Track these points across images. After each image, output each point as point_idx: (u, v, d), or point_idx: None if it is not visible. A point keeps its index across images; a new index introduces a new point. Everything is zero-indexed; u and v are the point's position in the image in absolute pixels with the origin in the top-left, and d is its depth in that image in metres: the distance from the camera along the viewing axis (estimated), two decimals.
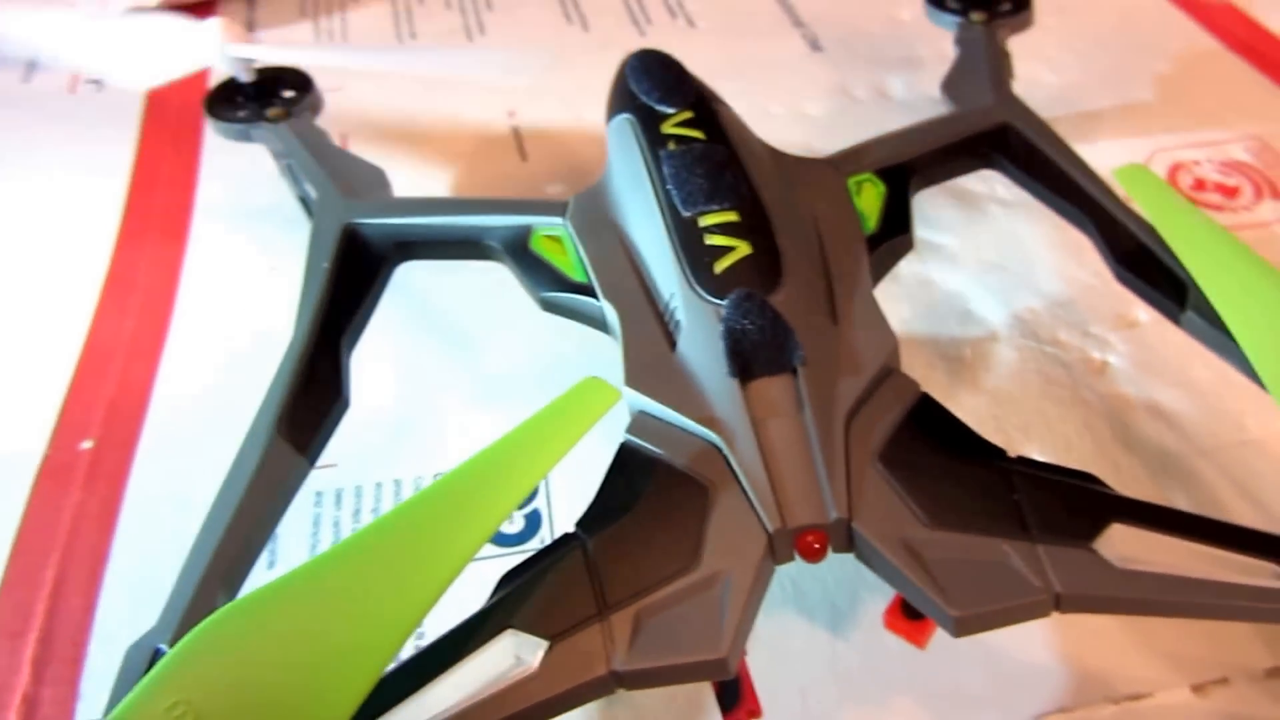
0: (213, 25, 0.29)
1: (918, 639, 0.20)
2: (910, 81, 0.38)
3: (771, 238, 0.23)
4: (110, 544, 0.25)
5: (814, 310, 0.22)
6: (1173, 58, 0.39)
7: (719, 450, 0.20)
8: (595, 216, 0.25)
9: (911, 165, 0.26)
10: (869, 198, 0.25)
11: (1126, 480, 0.25)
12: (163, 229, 0.33)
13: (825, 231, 0.24)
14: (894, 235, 0.25)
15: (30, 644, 0.23)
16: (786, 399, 0.20)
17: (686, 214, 0.23)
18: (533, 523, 0.25)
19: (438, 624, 0.18)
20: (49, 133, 0.38)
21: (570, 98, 0.38)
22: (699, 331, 0.21)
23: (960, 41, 0.32)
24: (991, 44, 0.31)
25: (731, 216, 0.23)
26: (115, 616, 0.24)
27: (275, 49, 0.31)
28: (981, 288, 0.31)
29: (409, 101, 0.37)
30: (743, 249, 0.22)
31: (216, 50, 0.30)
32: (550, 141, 0.36)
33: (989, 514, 0.19)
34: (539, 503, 0.25)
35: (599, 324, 0.24)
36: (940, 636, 0.19)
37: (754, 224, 0.23)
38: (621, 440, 0.20)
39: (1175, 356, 0.28)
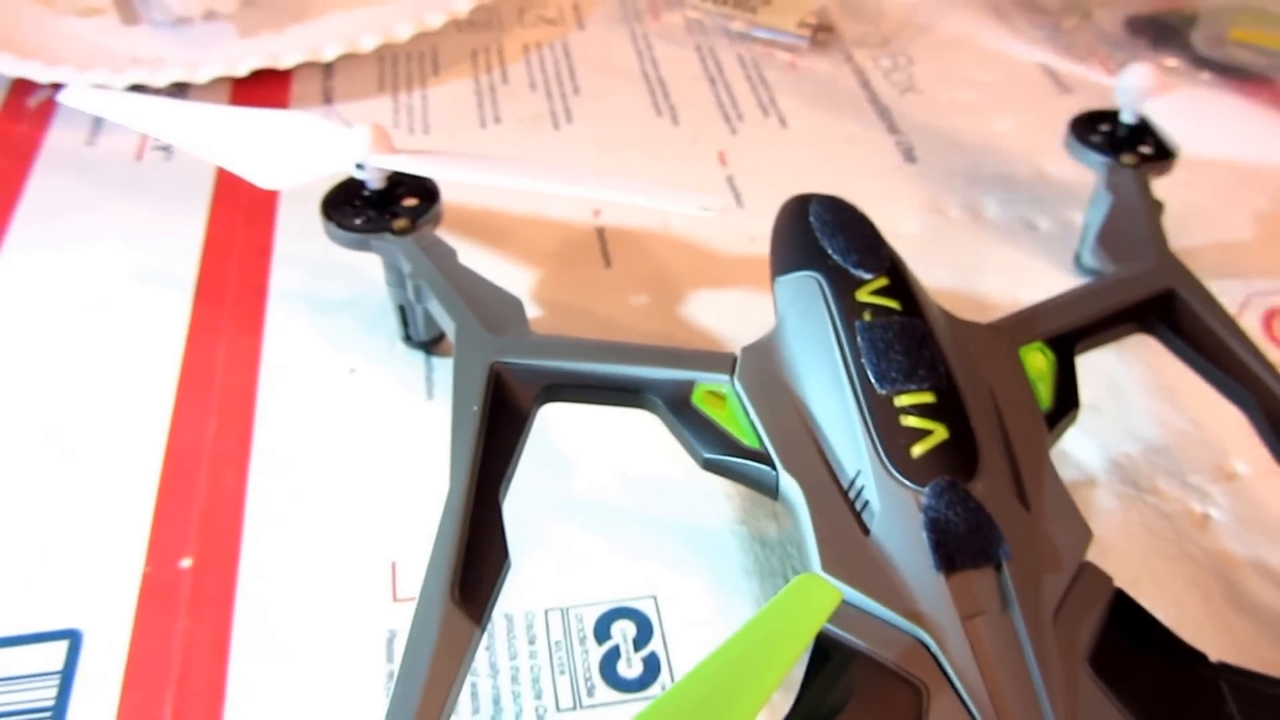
0: (361, 132, 0.28)
1: None
2: (1004, 201, 0.37)
3: (967, 421, 0.22)
4: (226, 674, 0.24)
5: (1009, 499, 0.21)
6: (1275, 195, 0.38)
7: (927, 648, 0.19)
8: (768, 377, 0.24)
9: (1078, 332, 0.26)
10: (1038, 366, 0.25)
11: (1241, 643, 0.25)
12: (237, 317, 0.32)
13: (1004, 408, 0.23)
14: (1067, 411, 0.24)
15: None
16: (992, 595, 0.20)
17: (882, 391, 0.22)
18: (651, 666, 0.24)
19: None
20: (114, 201, 0.37)
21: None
22: (896, 518, 0.21)
23: (1111, 186, 0.31)
24: (1146, 193, 0.30)
25: (928, 397, 0.22)
26: None
27: (428, 162, 0.28)
28: (1077, 429, 0.29)
29: (492, 194, 0.36)
30: (940, 433, 0.22)
31: (359, 156, 0.28)
32: (635, 247, 0.35)
33: None
34: (655, 645, 0.24)
35: (767, 490, 0.23)
36: None
37: (950, 406, 0.22)
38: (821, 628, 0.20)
39: (1278, 512, 0.27)
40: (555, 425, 0.29)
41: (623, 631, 0.25)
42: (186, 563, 0.26)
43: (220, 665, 0.24)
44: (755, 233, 0.35)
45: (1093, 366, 0.31)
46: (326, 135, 0.29)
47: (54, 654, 0.24)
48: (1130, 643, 0.20)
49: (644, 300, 0.33)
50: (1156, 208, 0.30)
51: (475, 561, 0.21)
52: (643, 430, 0.29)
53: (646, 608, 0.25)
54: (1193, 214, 0.35)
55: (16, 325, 0.32)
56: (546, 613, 0.25)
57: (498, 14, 0.46)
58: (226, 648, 0.24)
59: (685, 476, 0.28)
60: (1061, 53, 0.44)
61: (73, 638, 0.25)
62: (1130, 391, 0.30)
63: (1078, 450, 0.29)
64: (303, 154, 0.29)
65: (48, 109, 0.41)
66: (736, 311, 0.33)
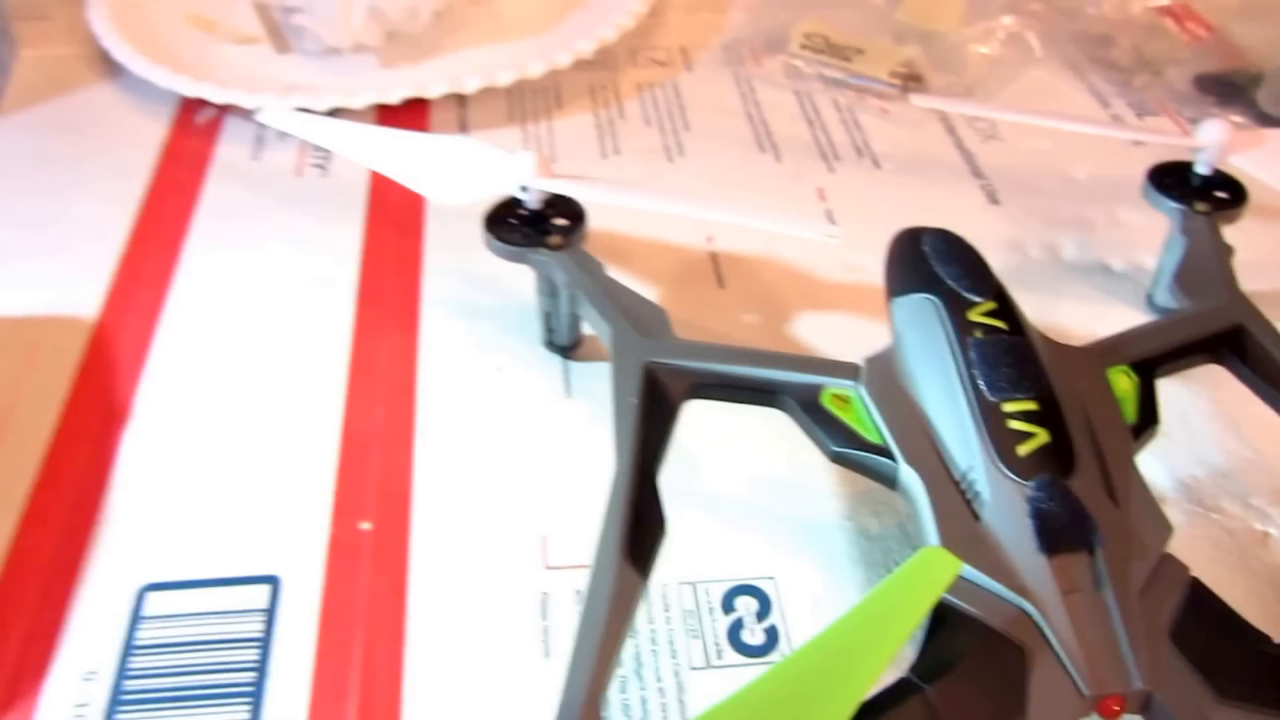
0: (527, 158, 0.32)
1: None
2: (1082, 243, 0.40)
3: (1065, 427, 0.26)
4: (404, 623, 0.28)
5: (1100, 495, 0.25)
6: None
7: (1030, 618, 0.23)
8: (889, 384, 0.28)
9: (1158, 359, 0.29)
10: (1122, 387, 0.28)
11: None
12: (395, 318, 0.36)
13: (1095, 419, 0.27)
14: (1149, 426, 0.28)
15: (352, 712, 0.26)
16: (1087, 576, 0.23)
17: (992, 398, 0.26)
18: (771, 636, 0.28)
19: None
20: (279, 210, 0.41)
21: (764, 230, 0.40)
22: (1005, 507, 0.24)
23: (1186, 231, 0.34)
24: (1217, 238, 0.34)
25: (1031, 405, 0.26)
26: (422, 692, 0.26)
27: (585, 186, 0.33)
28: (1149, 453, 0.32)
29: (613, 218, 0.40)
30: (1042, 436, 0.25)
31: (524, 179, 0.32)
32: (746, 271, 0.39)
33: (1272, 692, 0.22)
34: (775, 618, 0.28)
35: (886, 481, 0.27)
36: None
37: (1050, 413, 0.26)
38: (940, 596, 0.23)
39: None
40: (684, 427, 0.33)
41: (746, 605, 0.28)
42: (366, 525, 0.30)
43: (399, 613, 0.28)
44: (854, 262, 0.39)
45: (1164, 398, 0.34)
46: (496, 160, 0.33)
47: (260, 595, 0.28)
48: (1205, 622, 0.23)
49: (755, 319, 0.37)
50: (1227, 251, 0.33)
51: (640, 526, 0.25)
52: (759, 435, 0.32)
53: (766, 586, 0.29)
54: (1260, 260, 0.39)
55: (200, 314, 0.36)
56: (679, 586, 0.29)
57: (613, 55, 0.50)
58: (404, 599, 0.28)
59: (796, 476, 0.31)
60: (1134, 107, 0.48)
61: (274, 582, 0.29)
62: (1198, 421, 0.34)
63: (1149, 471, 0.32)
64: (474, 175, 0.33)
65: (213, 126, 0.45)
66: (839, 331, 0.36)
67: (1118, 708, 0.22)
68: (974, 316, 0.28)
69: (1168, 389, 0.33)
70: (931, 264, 0.29)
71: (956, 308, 0.28)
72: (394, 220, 0.40)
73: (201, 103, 0.46)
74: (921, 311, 0.29)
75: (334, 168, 0.43)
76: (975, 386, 0.26)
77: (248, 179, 0.43)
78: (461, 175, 0.34)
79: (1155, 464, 0.32)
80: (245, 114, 0.45)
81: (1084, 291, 0.38)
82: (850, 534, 0.30)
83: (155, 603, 0.28)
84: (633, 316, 0.30)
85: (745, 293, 0.38)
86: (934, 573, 0.23)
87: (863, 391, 0.28)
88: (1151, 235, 0.40)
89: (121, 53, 0.46)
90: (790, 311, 0.37)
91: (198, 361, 0.35)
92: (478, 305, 0.37)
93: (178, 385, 0.34)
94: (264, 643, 0.27)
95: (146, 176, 0.42)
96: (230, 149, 0.44)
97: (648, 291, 0.37)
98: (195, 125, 0.45)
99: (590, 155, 0.44)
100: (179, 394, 0.34)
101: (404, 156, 0.35)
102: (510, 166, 0.32)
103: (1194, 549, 0.30)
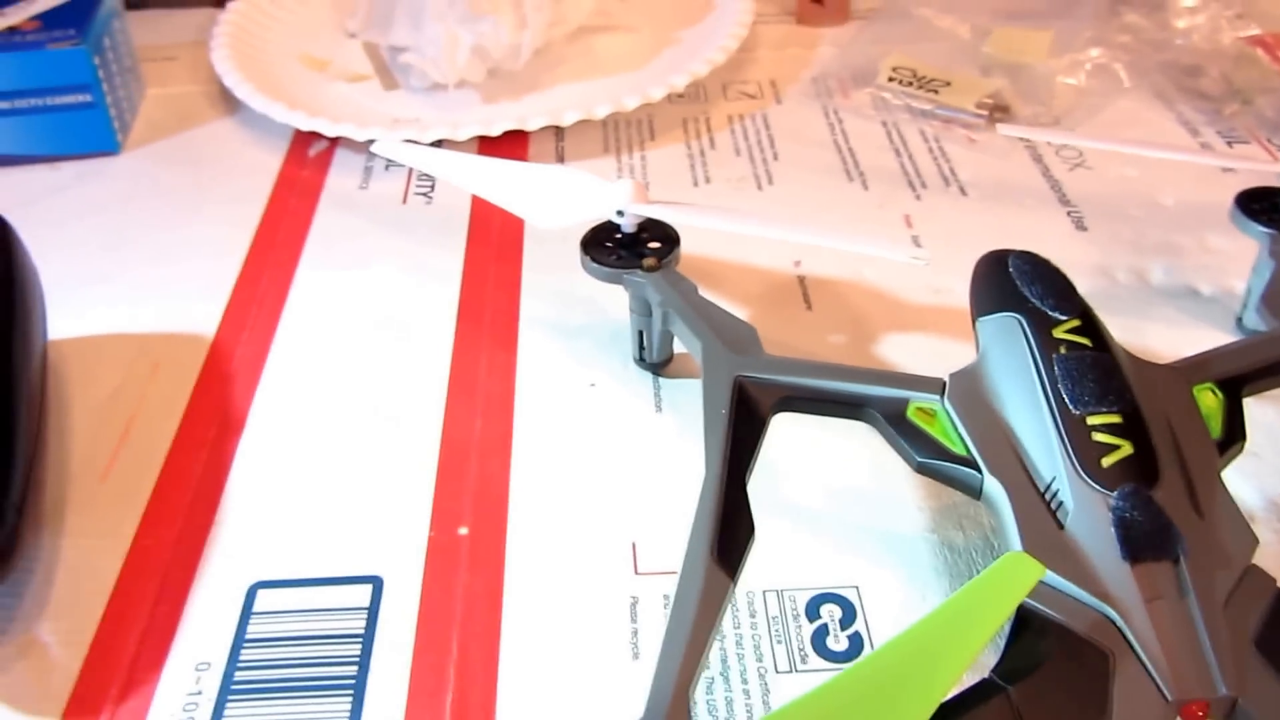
0: (625, 185, 0.33)
1: None
2: (1170, 268, 0.40)
3: (1149, 440, 0.26)
4: (500, 624, 0.29)
5: (1185, 506, 0.25)
6: None
7: (1114, 624, 0.23)
8: (973, 398, 0.28)
9: (1245, 377, 0.29)
10: (1208, 404, 0.28)
11: None
12: (494, 336, 0.38)
13: (1179, 433, 0.27)
14: (1235, 442, 0.28)
15: (447, 706, 0.27)
16: (1171, 584, 0.24)
17: (1076, 412, 0.26)
18: (855, 643, 0.28)
19: None
20: (386, 235, 0.43)
21: (851, 253, 0.41)
22: (1088, 516, 0.25)
23: (1275, 255, 0.34)
24: None
25: (1115, 418, 0.26)
26: (516, 689, 0.28)
27: (679, 211, 0.34)
28: (1237, 472, 0.32)
29: (704, 242, 0.41)
30: (1126, 448, 0.26)
31: (621, 204, 0.33)
32: (832, 294, 0.40)
33: None
34: (859, 626, 0.29)
35: (970, 491, 0.27)
36: None
37: (1134, 427, 0.26)
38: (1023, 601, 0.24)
39: None
40: (770, 441, 0.33)
41: (830, 613, 0.29)
42: (464, 530, 0.31)
43: (495, 614, 0.29)
44: (940, 286, 0.40)
45: (1252, 419, 0.34)
46: (594, 187, 0.35)
47: (363, 594, 0.30)
48: None
49: (841, 340, 0.38)
50: None
51: (729, 530, 0.26)
52: (843, 449, 0.33)
53: (850, 595, 0.29)
54: None
55: (312, 331, 0.39)
56: (764, 593, 0.30)
57: (704, 88, 0.52)
58: (499, 601, 0.30)
59: (881, 488, 0.32)
60: (1224, 135, 0.48)
61: (376, 583, 0.30)
62: None
63: (1238, 490, 0.32)
64: (574, 201, 0.35)
65: (325, 158, 0.48)
66: (925, 352, 0.37)
67: (1202, 713, 0.22)
68: (1059, 333, 0.28)
69: (1257, 409, 0.34)
70: (1017, 283, 0.30)
71: (1041, 325, 0.29)
72: (494, 245, 0.42)
73: (314, 136, 0.48)
74: (1007, 329, 0.29)
75: (438, 196, 0.45)
76: (1060, 399, 0.27)
77: (357, 206, 0.45)
78: (561, 201, 0.35)
79: (1244, 483, 0.32)
80: (355, 146, 0.47)
81: (1172, 315, 0.38)
82: (935, 546, 0.31)
83: (265, 599, 0.30)
84: (724, 333, 0.31)
85: (832, 314, 0.39)
86: (1017, 577, 0.23)
87: (948, 405, 0.28)
88: (1240, 260, 0.40)
89: (241, 90, 0.49)
90: (876, 332, 0.38)
91: (308, 375, 0.37)
92: (572, 325, 0.38)
93: (289, 397, 0.36)
94: (366, 639, 0.29)
95: (262, 204, 0.45)
96: (340, 179, 0.47)
97: (737, 313, 0.39)
98: (308, 157, 0.48)
99: (682, 184, 0.46)
100: (290, 405, 0.36)
101: (506, 184, 0.37)
102: (608, 192, 0.34)
103: None
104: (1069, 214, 0.44)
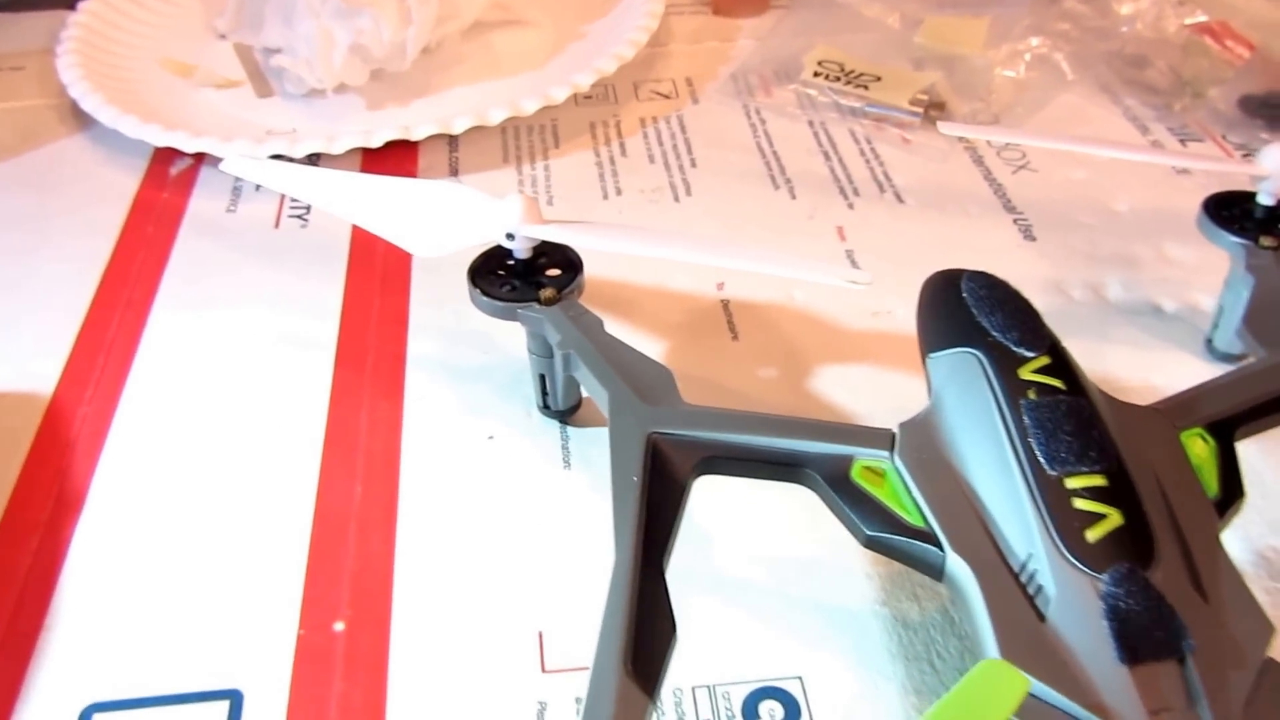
0: (514, 203, 0.29)
1: None
2: (1128, 282, 0.37)
3: (1140, 506, 0.22)
4: None
5: (1187, 589, 0.21)
6: None
7: None
8: (929, 454, 0.24)
9: (1239, 418, 0.25)
10: (1199, 453, 0.24)
11: None
12: (377, 382, 0.33)
13: (1171, 494, 0.23)
14: (1234, 499, 0.24)
15: None
16: (1178, 691, 0.20)
17: (1052, 473, 0.22)
18: None
19: None
20: (255, 266, 0.38)
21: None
22: (1074, 604, 0.21)
23: (1252, 269, 0.30)
24: None
25: (1100, 480, 0.22)
26: None
27: (579, 232, 0.29)
28: None
29: (615, 262, 0.37)
30: (1115, 518, 0.22)
31: (511, 225, 0.29)
32: (761, 320, 0.35)
33: None
34: None
35: (930, 571, 0.23)
36: None
37: (1122, 490, 0.22)
38: None
39: None
40: (695, 500, 0.29)
41: (770, 712, 0.25)
42: (340, 625, 0.27)
43: None
44: (879, 308, 0.36)
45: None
46: (479, 205, 0.30)
47: (218, 713, 0.25)
48: None
49: (773, 373, 0.34)
50: None
51: (645, 632, 0.21)
52: (778, 509, 0.29)
53: (793, 688, 0.25)
54: None
55: (165, 385, 0.33)
56: (694, 690, 0.25)
57: (613, 88, 0.47)
58: (382, 710, 0.25)
59: (824, 555, 0.28)
60: (1176, 132, 0.44)
61: (234, 697, 0.25)
62: (1273, 483, 0.30)
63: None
64: (456, 223, 0.30)
65: (189, 177, 0.42)
66: (866, 386, 0.33)
67: None
68: (1025, 374, 0.24)
69: (1240, 453, 0.30)
70: (973, 313, 0.26)
71: (1005, 364, 0.25)
72: (379, 273, 0.37)
73: (177, 153, 0.43)
74: (964, 369, 0.25)
75: (315, 218, 0.40)
76: (1032, 458, 0.23)
77: (222, 233, 0.40)
78: (443, 223, 0.30)
79: (1228, 535, 0.28)
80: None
81: (1135, 336, 0.35)
82: (886, 622, 0.27)
83: None
84: (634, 379, 0.27)
85: (761, 344, 0.35)
86: (998, 692, 0.19)
87: (899, 463, 0.24)
88: (1205, 272, 0.36)
89: (89, 101, 0.43)
90: (811, 364, 0.34)
91: (160, 439, 0.32)
92: (468, 366, 0.34)
93: (137, 467, 0.31)
94: None
95: (114, 234, 0.40)
96: (205, 201, 0.41)
97: (655, 345, 0.34)
98: (169, 178, 0.42)
99: (591, 196, 0.41)
100: (138, 478, 0.31)
101: (378, 204, 0.31)
102: (495, 212, 0.29)
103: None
104: (1015, 222, 0.40)
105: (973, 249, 0.38)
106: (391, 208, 0.31)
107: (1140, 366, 0.33)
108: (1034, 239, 0.39)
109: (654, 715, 0.21)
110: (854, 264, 0.38)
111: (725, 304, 0.36)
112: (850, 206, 0.41)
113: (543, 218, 0.29)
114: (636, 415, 0.26)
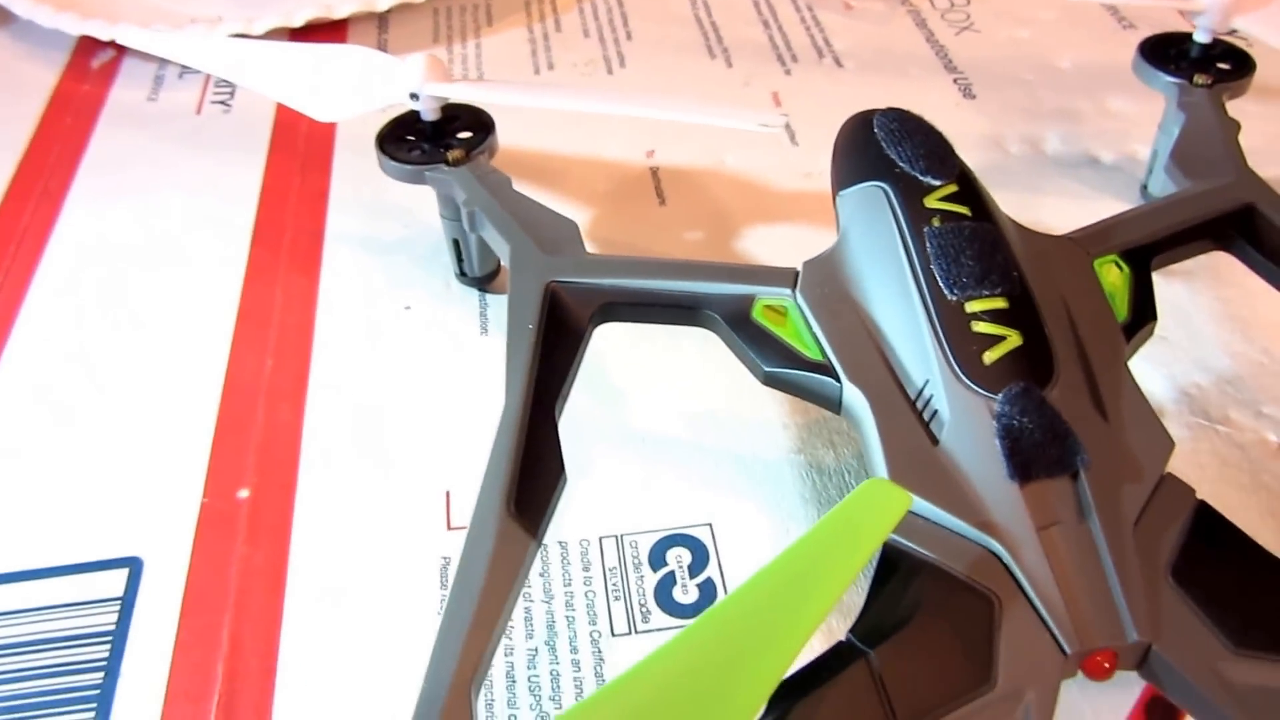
0: (417, 61, 0.28)
1: None
2: (1066, 136, 0.36)
3: (1041, 327, 0.21)
4: (283, 602, 0.24)
5: (1086, 407, 0.20)
6: None
7: (999, 559, 0.19)
8: (830, 290, 0.23)
9: (1154, 246, 0.25)
10: (1113, 280, 0.24)
11: None
12: (294, 259, 0.32)
13: (1078, 317, 0.22)
14: (1144, 324, 0.23)
15: (212, 710, 0.22)
16: (1069, 505, 0.19)
17: (952, 298, 0.22)
18: (707, 592, 0.24)
19: None
20: (176, 154, 0.37)
21: (712, 139, 0.36)
22: (967, 426, 0.20)
23: (1184, 106, 0.29)
24: (1221, 112, 0.29)
25: (1000, 303, 0.21)
26: (297, 680, 0.23)
27: (483, 89, 0.29)
28: (1143, 360, 0.28)
29: (545, 134, 0.36)
30: (1013, 339, 0.21)
31: (414, 85, 0.28)
32: (690, 185, 0.35)
33: None
34: (711, 571, 0.24)
35: (829, 404, 0.22)
36: None
37: (1023, 312, 0.21)
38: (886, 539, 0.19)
39: None
40: (607, 357, 0.29)
41: (678, 558, 0.25)
42: (244, 493, 0.26)
43: (277, 593, 0.24)
44: (810, 169, 0.35)
45: (1160, 298, 0.30)
46: (381, 66, 0.29)
47: (115, 581, 0.25)
48: (1215, 555, 0.19)
49: (698, 236, 0.33)
50: (1233, 126, 0.29)
51: (532, 475, 0.21)
52: (695, 362, 0.28)
53: (702, 534, 0.25)
54: (1267, 147, 0.34)
55: (77, 270, 0.33)
56: (601, 540, 0.25)
57: None
58: (283, 576, 0.25)
59: (739, 407, 0.27)
60: None
61: (133, 565, 0.25)
62: (1200, 322, 0.29)
63: (1145, 381, 0.27)
64: (358, 86, 0.29)
65: (110, 69, 0.41)
66: (792, 245, 0.32)
67: (1108, 665, 0.18)
68: (931, 202, 0.23)
69: (1165, 287, 0.29)
70: (882, 146, 0.25)
71: (911, 194, 0.24)
72: (300, 154, 0.36)
73: (98, 46, 0.42)
74: (870, 202, 0.24)
75: (238, 102, 0.39)
76: (933, 284, 0.22)
77: (143, 122, 0.39)
78: (346, 87, 0.29)
79: (1152, 372, 0.28)
80: (145, 55, 0.41)
81: (1070, 187, 0.34)
82: (800, 469, 0.26)
83: None
84: (536, 232, 0.26)
85: (689, 208, 0.34)
86: (879, 509, 0.19)
87: (800, 299, 0.23)
88: (1144, 124, 0.35)
89: None
90: (738, 226, 0.33)
91: (67, 326, 0.31)
92: (387, 241, 0.33)
93: (41, 354, 0.30)
94: (118, 638, 0.23)
95: (30, 128, 0.39)
96: (125, 91, 0.40)
97: (581, 212, 0.34)
98: (90, 70, 0.41)
99: (522, 72, 0.40)
100: (46, 355, 0.30)
101: (280, 69, 0.30)
102: (398, 72, 0.28)
103: (1199, 467, 0.26)
104: (955, 81, 0.39)
105: (910, 108, 0.37)
106: (293, 73, 0.30)
107: (1074, 216, 0.32)
108: (973, 97, 0.38)
109: (536, 557, 0.21)
110: (790, 129, 0.37)
111: (654, 171, 0.35)
112: (788, 73, 0.40)
113: (449, 76, 0.28)
114: (535, 265, 0.25)
